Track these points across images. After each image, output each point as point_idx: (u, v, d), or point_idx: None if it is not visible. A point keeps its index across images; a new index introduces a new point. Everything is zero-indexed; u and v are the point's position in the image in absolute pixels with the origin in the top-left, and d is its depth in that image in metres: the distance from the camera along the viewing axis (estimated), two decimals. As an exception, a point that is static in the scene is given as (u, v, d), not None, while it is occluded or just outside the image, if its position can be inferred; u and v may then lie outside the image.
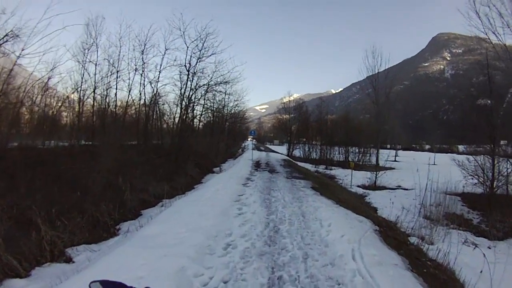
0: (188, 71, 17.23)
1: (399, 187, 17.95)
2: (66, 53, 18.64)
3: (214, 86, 19.57)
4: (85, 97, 15.48)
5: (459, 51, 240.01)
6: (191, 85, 17.78)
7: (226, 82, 19.39)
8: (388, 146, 54.45)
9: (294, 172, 16.86)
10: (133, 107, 18.11)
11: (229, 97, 30.18)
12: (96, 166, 9.78)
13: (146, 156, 14.56)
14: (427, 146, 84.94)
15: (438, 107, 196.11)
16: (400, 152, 49.22)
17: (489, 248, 7.70)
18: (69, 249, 5.53)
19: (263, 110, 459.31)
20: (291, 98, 44.15)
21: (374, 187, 18.01)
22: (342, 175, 22.85)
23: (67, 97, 14.54)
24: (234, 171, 16.12)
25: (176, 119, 19.27)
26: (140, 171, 11.56)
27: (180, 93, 17.78)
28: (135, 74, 17.37)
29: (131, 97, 17.69)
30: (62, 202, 6.74)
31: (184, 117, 18.53)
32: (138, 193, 9.68)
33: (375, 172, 18.70)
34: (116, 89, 16.58)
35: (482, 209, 12.08)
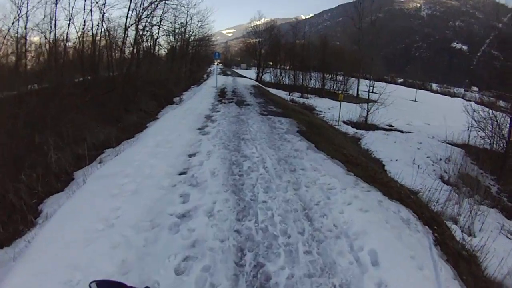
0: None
1: (391, 127, 15.78)
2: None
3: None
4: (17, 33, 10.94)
5: None
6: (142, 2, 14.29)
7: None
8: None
9: (268, 104, 13.18)
10: (76, 38, 13.83)
11: (191, 18, 27.13)
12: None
13: (92, 93, 11.74)
14: (399, 80, 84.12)
15: (410, 43, 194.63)
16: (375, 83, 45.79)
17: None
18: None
19: (230, 34, 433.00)
20: (261, 21, 38.36)
21: (364, 125, 15.31)
22: (322, 106, 19.85)
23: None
24: (193, 104, 12.20)
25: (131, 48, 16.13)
26: (81, 115, 9.41)
27: (131, 14, 14.19)
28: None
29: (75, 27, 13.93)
30: None
31: (139, 41, 15.57)
32: (71, 147, 7.44)
33: (364, 106, 15.76)
34: (55, 20, 11.91)
35: (494, 172, 10.26)
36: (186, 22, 26.94)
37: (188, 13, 27.08)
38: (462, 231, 5.23)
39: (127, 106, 12.58)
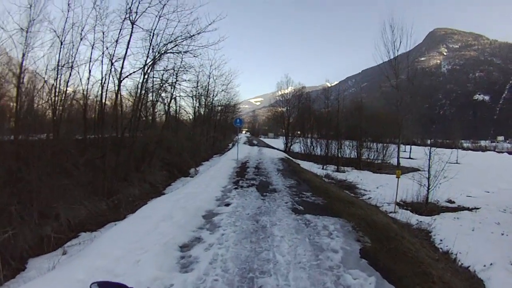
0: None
1: (452, 204, 12.21)
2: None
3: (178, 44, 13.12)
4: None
5: (456, 46, 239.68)
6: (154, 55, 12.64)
7: (191, 36, 12.78)
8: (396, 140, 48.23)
9: (302, 189, 9.72)
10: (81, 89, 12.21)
11: (215, 81, 27.01)
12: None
13: (89, 155, 10.36)
14: (429, 141, 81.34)
15: (434, 101, 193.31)
16: (407, 147, 42.07)
17: None
18: None
19: (258, 103, 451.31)
20: (289, 88, 36.82)
21: (425, 207, 11.32)
22: (364, 182, 16.06)
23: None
24: (198, 187, 9.08)
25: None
26: (68, 180, 8.11)
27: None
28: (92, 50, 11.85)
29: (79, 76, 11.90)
30: None
31: (141, 99, 13.68)
32: (39, 222, 5.94)
33: (423, 181, 12.00)
34: (59, 65, 10.61)
35: None
36: (208, 84, 25.73)
37: (211, 75, 25.93)
38: None
39: (128, 175, 11.03)
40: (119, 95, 12.34)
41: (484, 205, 11.71)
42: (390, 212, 10.22)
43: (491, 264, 6.38)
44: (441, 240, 7.71)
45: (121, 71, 11.69)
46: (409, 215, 10.16)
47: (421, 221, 9.37)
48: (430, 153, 12.70)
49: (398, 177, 11.01)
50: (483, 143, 74.37)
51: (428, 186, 11.94)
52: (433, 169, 11.93)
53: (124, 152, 11.64)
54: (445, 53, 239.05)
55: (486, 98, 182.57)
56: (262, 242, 4.70)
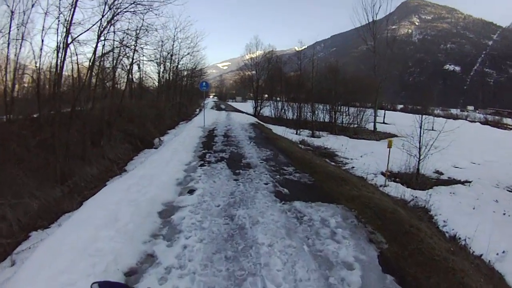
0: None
1: (441, 175, 11.86)
2: None
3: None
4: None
5: (429, 17, 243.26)
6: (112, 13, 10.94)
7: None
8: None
9: (279, 159, 8.39)
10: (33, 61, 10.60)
11: (179, 44, 24.73)
12: None
13: (42, 135, 9.04)
14: (399, 106, 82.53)
15: (403, 69, 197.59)
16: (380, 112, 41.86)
17: None
18: None
19: (225, 67, 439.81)
20: (259, 52, 34.41)
21: (416, 179, 10.55)
22: (342, 148, 15.06)
23: None
24: (159, 163, 7.36)
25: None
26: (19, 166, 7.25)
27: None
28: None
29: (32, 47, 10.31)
30: None
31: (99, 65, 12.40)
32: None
33: (413, 152, 11.12)
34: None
35: None
36: (173, 48, 23.24)
37: (176, 37, 23.41)
38: None
39: (85, 153, 9.91)
40: (65, 62, 10.34)
41: (475, 178, 11.41)
42: (381, 186, 9.33)
43: (503, 252, 5.89)
44: (444, 222, 7.15)
45: (67, 33, 9.53)
46: (401, 189, 9.32)
47: (416, 197, 8.62)
48: (421, 121, 11.68)
49: (389, 147, 9.85)
50: (453, 111, 76.85)
51: (419, 156, 11.12)
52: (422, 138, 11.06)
53: (77, 127, 10.26)
54: (417, 23, 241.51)
55: (457, 68, 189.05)
56: (243, 258, 3.20)
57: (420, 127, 11.14)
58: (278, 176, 6.49)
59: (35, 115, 10.17)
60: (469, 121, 48.05)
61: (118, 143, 12.73)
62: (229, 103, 67.52)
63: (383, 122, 30.99)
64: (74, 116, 10.28)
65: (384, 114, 35.27)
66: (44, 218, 5.96)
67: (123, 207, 4.37)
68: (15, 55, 9.76)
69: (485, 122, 48.47)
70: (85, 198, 6.83)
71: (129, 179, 5.90)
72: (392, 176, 10.44)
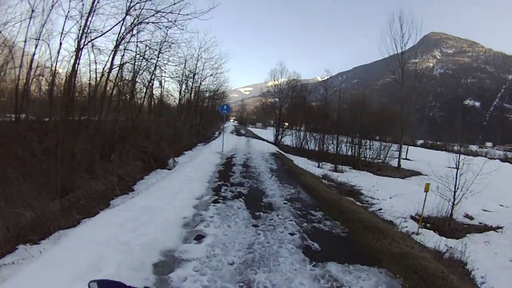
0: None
1: (472, 220, 11.25)
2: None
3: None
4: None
5: (450, 51, 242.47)
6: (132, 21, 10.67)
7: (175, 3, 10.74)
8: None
9: (305, 199, 7.27)
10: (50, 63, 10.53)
11: (203, 64, 24.58)
12: None
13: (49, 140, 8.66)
14: (419, 141, 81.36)
15: (424, 104, 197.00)
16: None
17: None
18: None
19: (247, 92, 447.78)
20: (282, 79, 34.04)
21: (449, 225, 9.43)
22: (365, 184, 13.91)
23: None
24: (166, 192, 6.39)
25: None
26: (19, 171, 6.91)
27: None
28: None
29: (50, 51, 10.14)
30: None
31: (117, 75, 12.14)
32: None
33: (447, 195, 10.01)
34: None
35: None
36: (196, 67, 23.14)
37: (199, 57, 23.31)
38: None
39: (92, 166, 9.47)
40: (82, 68, 10.63)
41: (507, 224, 10.43)
42: (412, 233, 8.20)
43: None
44: (482, 278, 6.33)
45: (83, 36, 9.17)
46: (435, 238, 8.13)
47: (450, 247, 7.55)
48: (458, 161, 10.50)
49: (426, 191, 8.64)
50: (472, 147, 74.97)
51: (454, 200, 9.94)
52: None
53: (87, 137, 9.71)
54: (438, 57, 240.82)
55: (477, 104, 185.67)
56: None
57: (456, 168, 9.98)
58: (305, 224, 5.38)
59: (46, 119, 9.98)
60: (488, 157, 46.19)
61: (130, 159, 12.25)
62: (249, 128, 68.40)
63: (406, 158, 29.62)
64: (83, 125, 9.84)
65: (407, 150, 33.82)
66: (36, 232, 5.58)
67: (110, 250, 3.41)
68: (32, 54, 9.78)
69: (505, 159, 46.66)
70: (84, 216, 6.50)
71: (127, 210, 4.95)
72: (421, 219, 9.23)
